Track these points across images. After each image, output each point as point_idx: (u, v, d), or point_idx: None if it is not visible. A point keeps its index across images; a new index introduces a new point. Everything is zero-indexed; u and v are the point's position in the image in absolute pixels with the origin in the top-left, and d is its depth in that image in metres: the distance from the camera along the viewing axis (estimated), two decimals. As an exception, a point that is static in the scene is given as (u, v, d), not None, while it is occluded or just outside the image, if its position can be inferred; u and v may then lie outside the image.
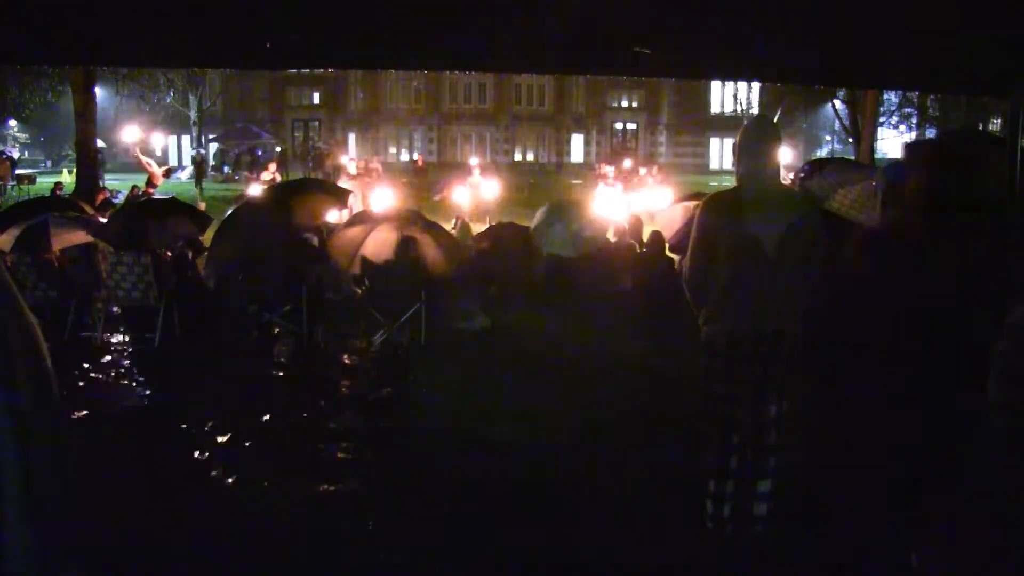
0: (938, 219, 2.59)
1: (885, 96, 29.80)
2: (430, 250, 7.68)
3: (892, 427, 2.85)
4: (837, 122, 30.84)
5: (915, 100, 32.16)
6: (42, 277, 7.44)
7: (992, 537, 2.06)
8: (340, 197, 8.86)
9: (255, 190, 17.41)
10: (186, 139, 35.65)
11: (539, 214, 9.98)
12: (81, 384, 6.20)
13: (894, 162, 3.52)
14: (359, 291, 8.06)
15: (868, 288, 2.99)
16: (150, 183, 16.88)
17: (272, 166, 20.74)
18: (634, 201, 14.69)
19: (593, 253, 9.39)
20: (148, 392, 6.17)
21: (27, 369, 1.81)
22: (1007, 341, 2.02)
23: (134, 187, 16.87)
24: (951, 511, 2.26)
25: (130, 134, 19.77)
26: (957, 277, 2.58)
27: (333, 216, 9.25)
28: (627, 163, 22.77)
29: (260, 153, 29.68)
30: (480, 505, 4.02)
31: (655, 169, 22.71)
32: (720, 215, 3.35)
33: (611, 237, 10.30)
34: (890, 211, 3.41)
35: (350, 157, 24.51)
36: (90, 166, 18.32)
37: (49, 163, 37.77)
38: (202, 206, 11.44)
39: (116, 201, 14.63)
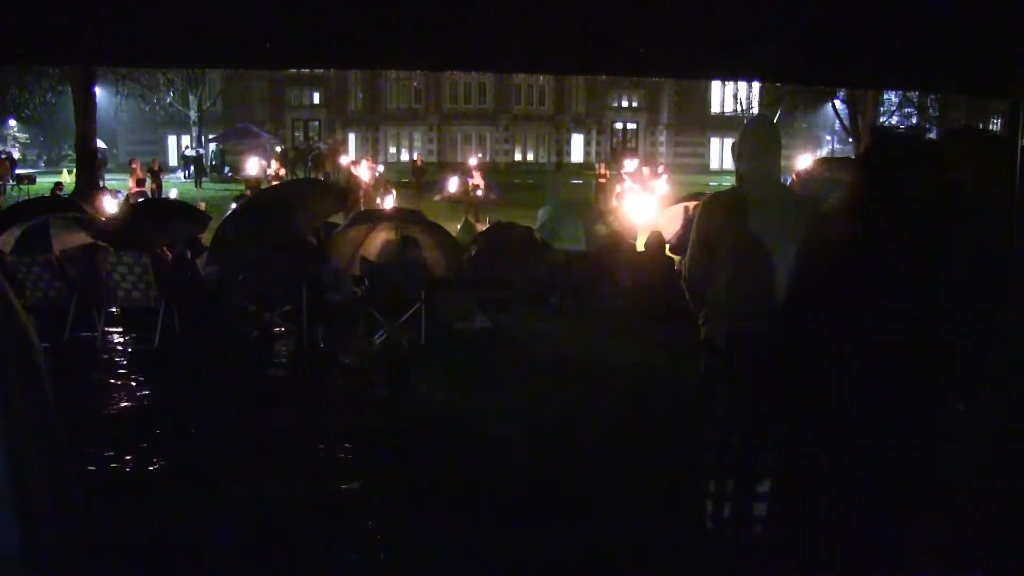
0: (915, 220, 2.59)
1: (885, 96, 29.81)
2: (430, 250, 7.69)
3: (894, 425, 2.85)
4: (837, 122, 30.82)
5: (915, 100, 32.16)
6: (42, 278, 7.44)
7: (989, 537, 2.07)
8: (341, 198, 8.88)
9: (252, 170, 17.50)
10: (186, 139, 35.64)
11: (544, 211, 10.04)
12: (81, 384, 6.20)
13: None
14: (359, 291, 8.07)
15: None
16: (140, 184, 17.03)
17: (274, 163, 20.80)
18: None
19: (594, 252, 9.42)
20: (148, 392, 6.17)
21: (19, 369, 1.81)
22: (998, 344, 2.02)
23: (131, 189, 16.91)
24: (950, 511, 2.26)
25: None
26: (958, 279, 2.58)
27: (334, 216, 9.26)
28: (631, 163, 22.68)
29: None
30: (480, 505, 4.02)
31: (661, 168, 22.65)
32: (720, 215, 3.35)
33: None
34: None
35: (351, 160, 24.45)
36: (90, 166, 18.31)
37: (44, 163, 37.70)
38: (202, 206, 11.43)
39: (116, 201, 14.65)
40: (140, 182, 18.78)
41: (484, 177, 19.01)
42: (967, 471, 2.18)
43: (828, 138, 42.00)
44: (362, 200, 16.56)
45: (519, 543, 3.63)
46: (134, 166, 19.59)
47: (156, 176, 20.43)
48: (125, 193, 17.23)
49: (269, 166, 25.01)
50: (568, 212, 9.71)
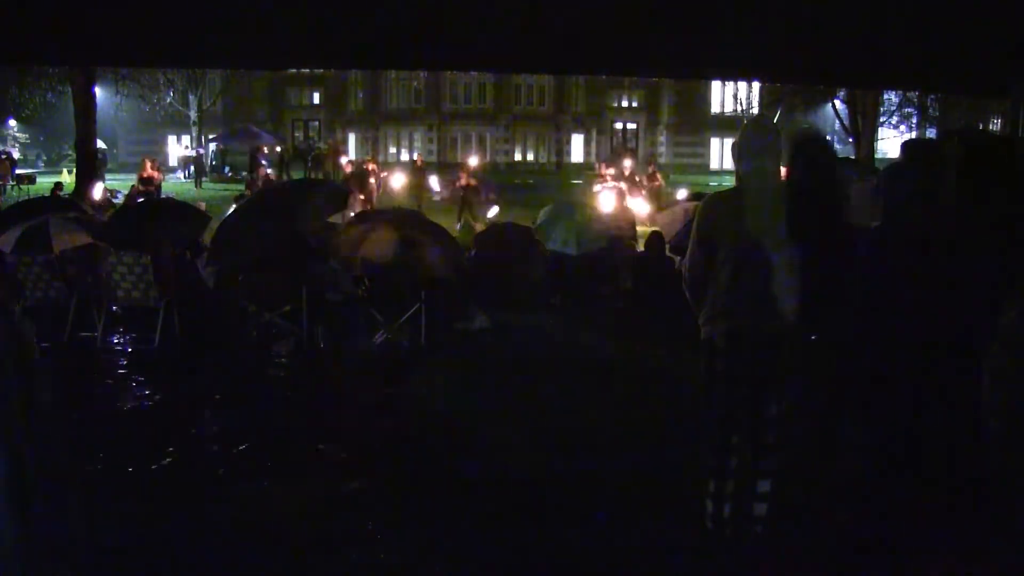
0: (945, 219, 2.62)
1: (885, 96, 29.77)
2: (430, 250, 7.67)
3: (894, 426, 2.85)
4: (837, 122, 30.81)
5: (915, 100, 32.13)
6: (42, 278, 7.44)
7: (991, 535, 2.07)
8: (341, 197, 8.87)
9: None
10: (186, 139, 35.64)
11: (543, 213, 10.04)
12: (81, 384, 6.20)
13: (893, 163, 3.52)
14: (359, 291, 8.06)
15: (873, 289, 3.00)
16: (148, 183, 16.95)
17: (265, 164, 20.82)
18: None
19: (594, 252, 9.41)
20: (148, 392, 6.17)
21: (18, 369, 1.81)
22: (998, 343, 2.02)
23: (133, 186, 16.91)
24: (950, 510, 2.26)
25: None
26: (959, 278, 2.58)
27: (334, 216, 9.24)
28: (627, 163, 22.66)
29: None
30: (480, 505, 4.02)
31: (651, 169, 22.50)
32: (720, 215, 3.36)
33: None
34: (890, 213, 3.40)
35: (348, 160, 24.46)
36: (90, 166, 18.31)
37: (44, 163, 37.70)
38: (202, 206, 11.43)
39: (116, 201, 14.67)
40: (145, 181, 18.75)
41: (479, 177, 19.00)
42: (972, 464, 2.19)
43: (828, 138, 41.97)
44: (368, 199, 16.60)
45: (519, 543, 3.63)
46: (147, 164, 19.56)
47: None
48: (125, 193, 17.23)
49: (269, 166, 24.98)
50: (561, 214, 9.70)
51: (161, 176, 19.44)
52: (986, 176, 2.52)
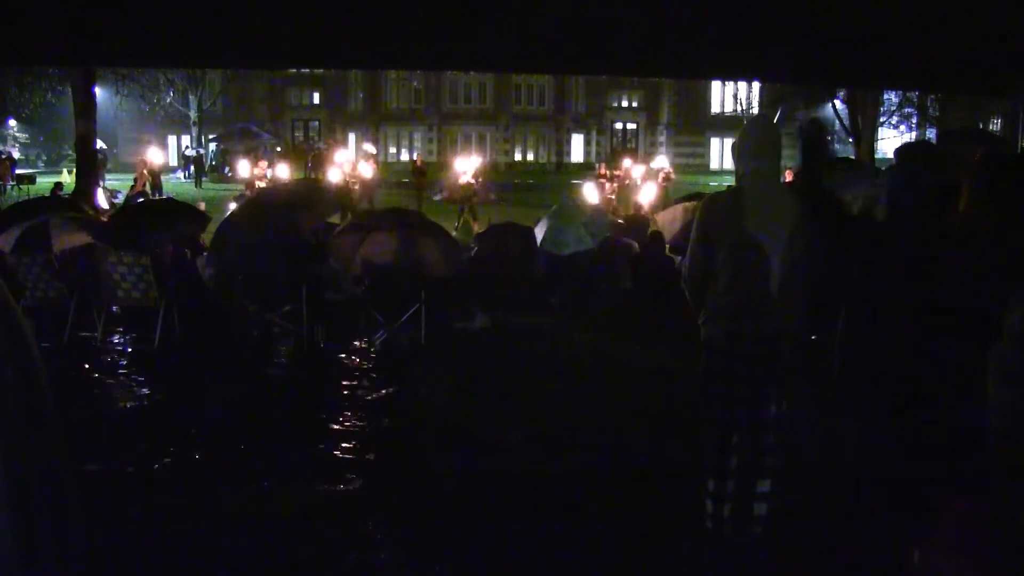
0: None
1: (885, 96, 29.78)
2: (430, 250, 7.68)
3: (895, 426, 2.85)
4: (837, 122, 30.81)
5: (915, 100, 32.13)
6: (42, 278, 7.44)
7: (992, 535, 2.07)
8: (340, 197, 8.87)
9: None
10: (186, 139, 35.64)
11: (544, 220, 10.13)
12: (81, 384, 6.20)
13: (895, 164, 3.53)
14: (359, 291, 8.06)
15: (874, 287, 3.01)
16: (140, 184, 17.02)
17: (263, 163, 20.86)
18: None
19: (594, 252, 9.43)
20: (148, 392, 6.17)
21: (17, 370, 1.80)
22: (1005, 341, 2.02)
23: (132, 187, 16.91)
24: (953, 510, 2.26)
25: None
26: (962, 276, 2.59)
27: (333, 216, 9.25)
28: (628, 163, 22.70)
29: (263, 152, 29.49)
30: (480, 505, 4.02)
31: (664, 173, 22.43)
32: (720, 215, 3.35)
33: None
34: (891, 212, 3.40)
35: (348, 160, 24.45)
36: (90, 166, 18.29)
37: (44, 163, 37.72)
38: (202, 206, 11.43)
39: (116, 201, 14.66)
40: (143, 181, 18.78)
41: (483, 177, 19.01)
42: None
43: (828, 138, 41.97)
44: (364, 198, 16.58)
45: (519, 543, 3.63)
46: (143, 169, 19.58)
47: (155, 176, 20.45)
48: (125, 194, 17.24)
49: (270, 166, 24.94)
50: (558, 216, 9.79)
51: (149, 178, 19.45)
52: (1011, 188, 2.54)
